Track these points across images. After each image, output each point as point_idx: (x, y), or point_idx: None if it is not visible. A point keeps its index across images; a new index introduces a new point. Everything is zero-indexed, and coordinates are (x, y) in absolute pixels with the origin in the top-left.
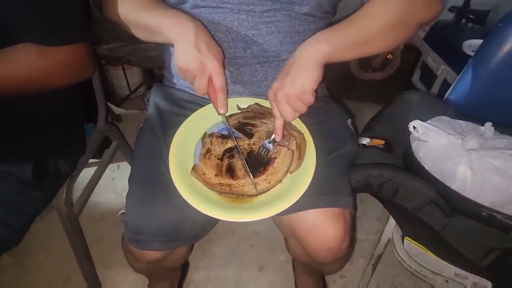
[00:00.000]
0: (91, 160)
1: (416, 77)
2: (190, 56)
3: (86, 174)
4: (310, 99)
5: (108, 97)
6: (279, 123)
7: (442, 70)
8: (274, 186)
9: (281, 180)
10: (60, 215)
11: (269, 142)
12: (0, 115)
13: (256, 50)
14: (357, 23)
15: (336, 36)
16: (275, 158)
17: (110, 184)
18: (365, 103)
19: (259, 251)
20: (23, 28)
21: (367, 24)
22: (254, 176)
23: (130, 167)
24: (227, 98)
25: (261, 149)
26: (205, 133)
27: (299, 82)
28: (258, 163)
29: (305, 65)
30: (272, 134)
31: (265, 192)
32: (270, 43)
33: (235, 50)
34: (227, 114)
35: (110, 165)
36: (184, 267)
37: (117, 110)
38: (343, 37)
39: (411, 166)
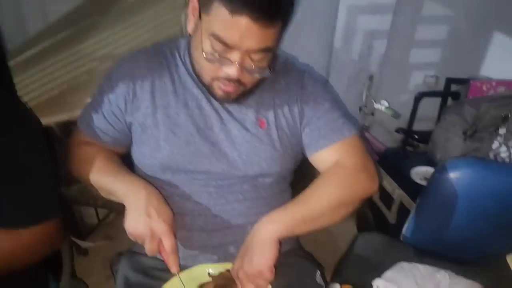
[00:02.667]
0: None
1: (376, 197)
2: (140, 222)
3: None
4: (268, 276)
5: (75, 229)
6: None
7: (397, 194)
8: None
9: None
10: None
11: None
12: None
13: (225, 217)
14: (305, 204)
15: (287, 216)
16: None
17: None
18: None
19: None
20: None
21: (313, 205)
22: None
23: None
24: (178, 258)
25: None
26: None
27: (255, 262)
28: None
29: (261, 245)
30: None
31: None
32: (238, 209)
33: (205, 218)
34: (199, 283)
35: None
36: None
37: (84, 244)
38: (293, 217)
39: None
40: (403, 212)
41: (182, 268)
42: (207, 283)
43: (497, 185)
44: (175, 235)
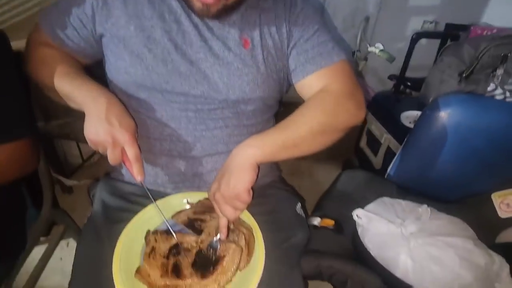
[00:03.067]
0: None
1: (363, 143)
2: (100, 129)
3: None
4: (246, 198)
5: (59, 167)
6: (223, 221)
7: (385, 138)
8: (223, 287)
9: (231, 279)
10: None
11: (216, 241)
12: None
13: (205, 143)
14: (286, 129)
15: (267, 141)
16: (224, 256)
17: (58, 266)
18: (320, 162)
19: None
20: None
21: (295, 130)
22: (204, 276)
23: None
24: (143, 166)
25: (209, 248)
26: (148, 230)
27: (233, 184)
28: (207, 263)
29: (239, 168)
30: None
31: None
32: (219, 136)
33: (184, 144)
34: (177, 210)
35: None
36: None
37: (68, 182)
38: (273, 142)
39: (359, 250)
40: (389, 158)
41: (161, 195)
42: (185, 210)
43: (489, 122)
44: (138, 146)
